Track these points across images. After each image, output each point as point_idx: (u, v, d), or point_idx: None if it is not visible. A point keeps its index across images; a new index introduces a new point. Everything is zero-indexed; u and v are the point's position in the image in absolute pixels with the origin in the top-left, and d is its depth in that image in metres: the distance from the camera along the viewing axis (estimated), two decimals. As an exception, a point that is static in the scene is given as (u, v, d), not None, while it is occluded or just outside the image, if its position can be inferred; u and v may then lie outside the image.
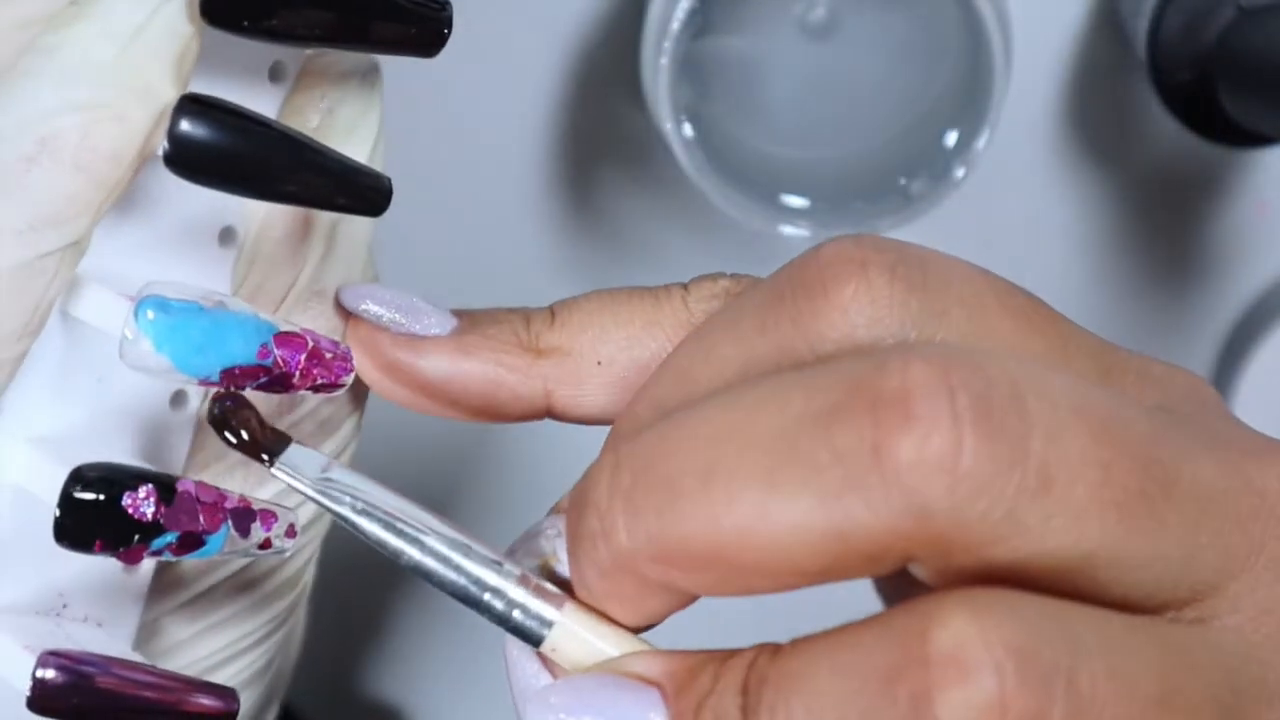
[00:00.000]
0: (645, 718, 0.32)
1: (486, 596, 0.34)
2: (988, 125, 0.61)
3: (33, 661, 0.35)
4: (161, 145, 0.34)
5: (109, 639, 0.38)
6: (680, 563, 0.32)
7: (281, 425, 0.39)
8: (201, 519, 0.35)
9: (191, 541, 0.35)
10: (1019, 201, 0.71)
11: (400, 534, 0.35)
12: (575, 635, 0.34)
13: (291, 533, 0.37)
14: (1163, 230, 0.72)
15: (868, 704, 0.30)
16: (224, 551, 0.36)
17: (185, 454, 0.39)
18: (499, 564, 0.34)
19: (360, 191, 0.36)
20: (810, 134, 0.65)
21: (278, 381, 0.36)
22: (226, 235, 0.38)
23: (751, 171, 0.64)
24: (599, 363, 0.38)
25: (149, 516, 0.35)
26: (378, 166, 0.38)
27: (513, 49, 0.68)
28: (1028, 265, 0.71)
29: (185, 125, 0.34)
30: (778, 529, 0.31)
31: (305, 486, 0.35)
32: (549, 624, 0.34)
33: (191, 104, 0.34)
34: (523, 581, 0.34)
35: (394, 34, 0.36)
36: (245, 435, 0.35)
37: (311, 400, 0.39)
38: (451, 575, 0.34)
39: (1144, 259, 0.72)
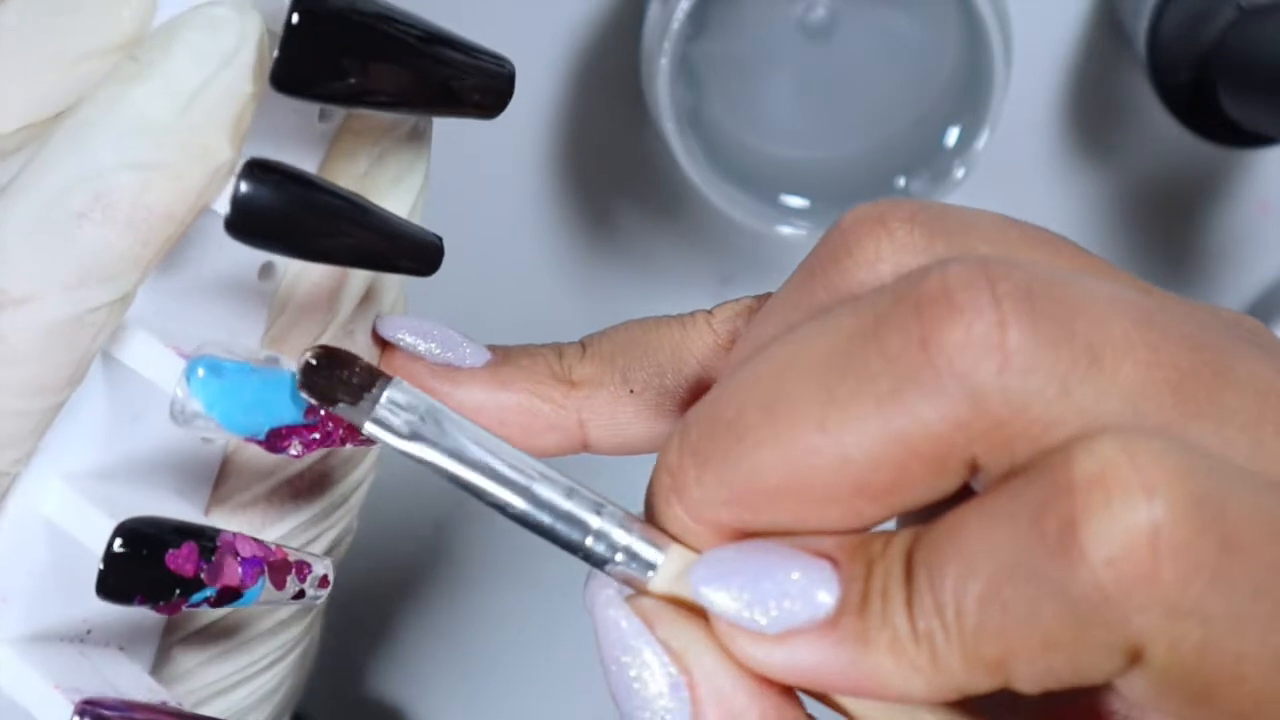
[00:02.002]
0: (815, 593, 0.32)
1: (589, 540, 0.33)
2: (987, 125, 0.61)
3: (65, 705, 0.35)
4: (223, 212, 0.34)
5: (130, 663, 0.38)
6: (753, 500, 0.32)
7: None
8: (240, 573, 0.36)
9: (229, 595, 0.36)
10: (1019, 201, 0.71)
11: (501, 480, 0.34)
12: (681, 575, 0.33)
13: (325, 583, 0.37)
14: (1163, 230, 0.72)
15: (1016, 545, 0.30)
16: (259, 602, 0.36)
17: (211, 487, 0.39)
18: (601, 505, 0.34)
19: (415, 253, 0.36)
20: (810, 134, 0.65)
21: (323, 440, 0.36)
22: (266, 270, 0.38)
23: (751, 171, 0.64)
24: (631, 391, 0.38)
25: (189, 573, 0.35)
26: (419, 215, 0.38)
27: (513, 51, 0.67)
28: (1028, 265, 0.71)
29: (246, 190, 0.34)
30: (840, 443, 0.31)
31: (397, 442, 0.34)
32: (653, 566, 0.33)
33: (255, 171, 0.34)
34: (628, 524, 0.33)
35: (457, 101, 0.36)
36: (338, 398, 0.35)
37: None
38: (549, 520, 0.34)
39: (1144, 259, 0.72)
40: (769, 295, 0.38)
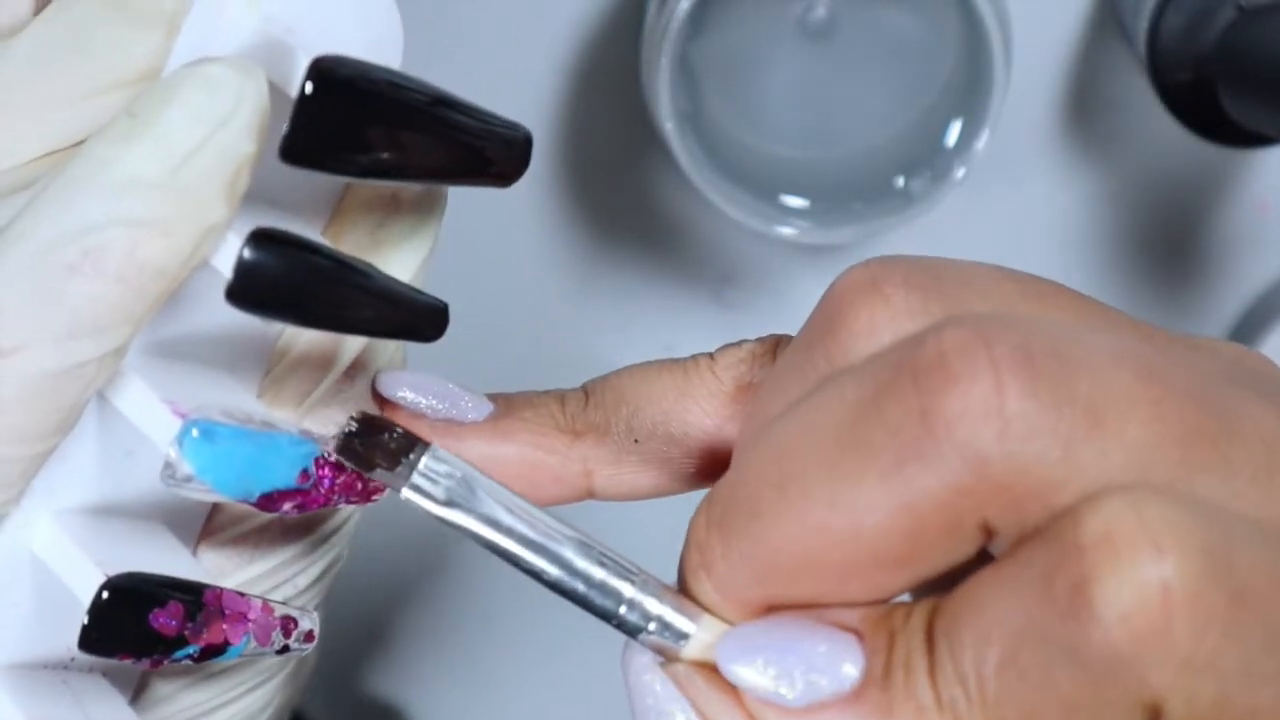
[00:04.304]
0: (840, 666, 0.32)
1: (622, 609, 0.34)
2: (987, 125, 0.61)
3: None
4: (224, 270, 0.34)
5: (112, 691, 0.38)
6: (777, 576, 0.32)
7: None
8: (224, 630, 0.36)
9: (212, 652, 0.36)
10: (1019, 201, 0.71)
11: (535, 548, 0.34)
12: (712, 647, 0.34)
13: (310, 638, 0.37)
14: (1163, 230, 0.72)
15: (1029, 610, 0.30)
16: (242, 656, 0.36)
17: (203, 519, 0.39)
18: (634, 574, 0.34)
19: (421, 322, 0.36)
20: (810, 134, 0.65)
21: (315, 504, 0.36)
22: None
23: (751, 171, 0.64)
24: (635, 440, 0.38)
25: (173, 632, 0.35)
26: (427, 269, 0.38)
27: (513, 49, 0.68)
28: (1027, 266, 0.71)
29: (249, 258, 0.33)
30: (851, 517, 0.31)
31: (434, 508, 0.35)
32: (685, 635, 0.34)
33: (259, 240, 0.33)
34: (660, 593, 0.34)
35: (473, 172, 0.36)
36: (377, 463, 0.35)
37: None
38: (583, 588, 0.34)
39: (1144, 259, 0.72)
40: (772, 338, 0.38)
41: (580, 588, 0.34)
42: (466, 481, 0.35)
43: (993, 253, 0.72)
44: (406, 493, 0.35)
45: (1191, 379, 0.31)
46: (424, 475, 0.35)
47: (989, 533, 0.31)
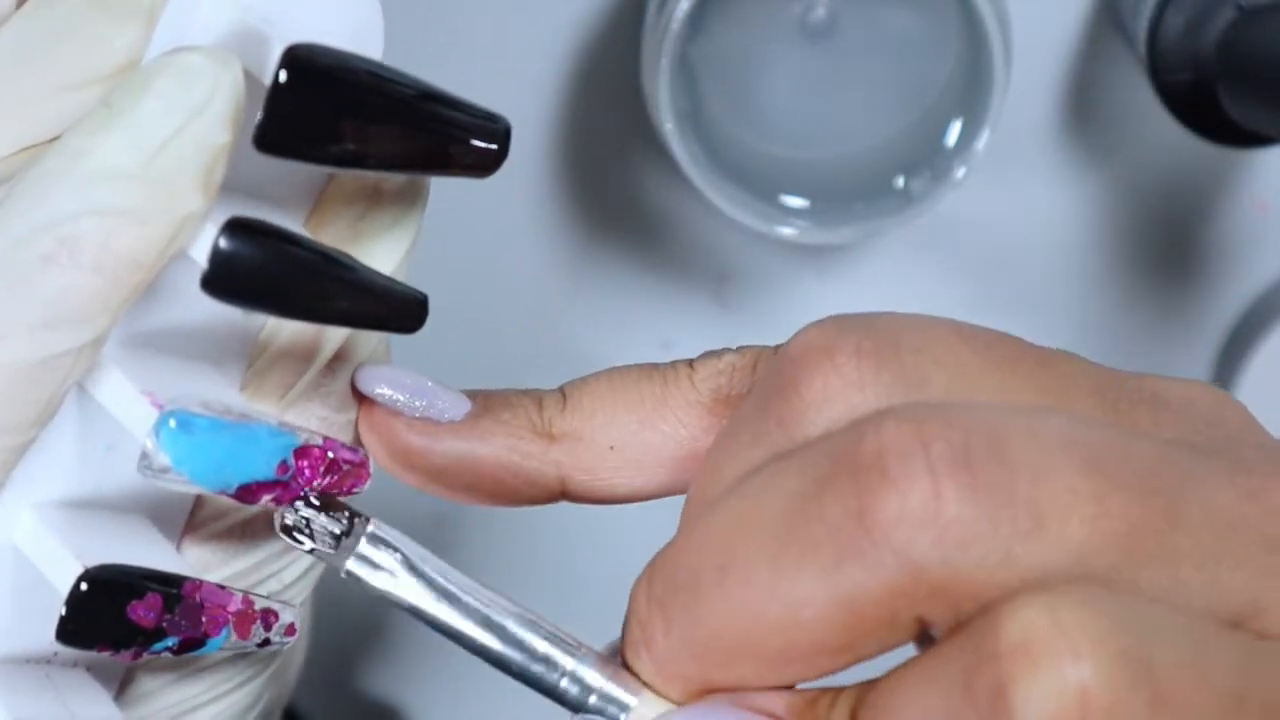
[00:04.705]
0: None
1: (563, 682, 0.34)
2: (988, 125, 0.61)
3: None
4: (200, 269, 0.34)
5: (96, 686, 0.38)
6: (716, 658, 0.33)
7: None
8: (204, 623, 0.36)
9: (191, 645, 0.36)
10: (1019, 202, 0.71)
11: (477, 620, 0.35)
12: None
13: (291, 631, 0.37)
14: (1163, 230, 0.72)
15: (951, 709, 0.30)
16: (222, 650, 0.36)
17: (187, 514, 0.39)
18: (575, 647, 0.35)
19: (400, 313, 0.36)
20: (810, 134, 0.65)
21: (292, 495, 0.36)
22: None
23: (751, 172, 0.64)
24: (611, 447, 0.38)
25: (151, 624, 0.35)
26: (409, 262, 0.38)
27: (513, 49, 0.68)
28: (1026, 266, 0.71)
29: (226, 248, 0.33)
30: (790, 608, 0.32)
31: (377, 584, 0.35)
32: (626, 708, 0.34)
33: (235, 229, 0.33)
34: (600, 664, 0.34)
35: (451, 163, 0.36)
36: (316, 542, 0.36)
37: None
38: (523, 660, 0.35)
39: (1144, 259, 0.72)
40: (752, 351, 0.38)
41: (521, 660, 0.34)
42: (407, 559, 0.35)
43: (993, 253, 0.72)
44: (351, 565, 0.35)
45: (1142, 462, 0.32)
46: (364, 553, 0.35)
47: (926, 624, 0.32)
